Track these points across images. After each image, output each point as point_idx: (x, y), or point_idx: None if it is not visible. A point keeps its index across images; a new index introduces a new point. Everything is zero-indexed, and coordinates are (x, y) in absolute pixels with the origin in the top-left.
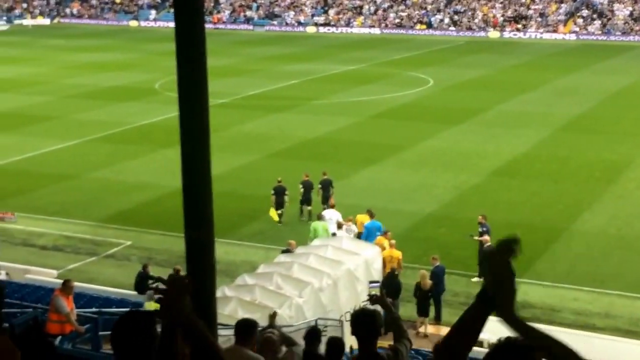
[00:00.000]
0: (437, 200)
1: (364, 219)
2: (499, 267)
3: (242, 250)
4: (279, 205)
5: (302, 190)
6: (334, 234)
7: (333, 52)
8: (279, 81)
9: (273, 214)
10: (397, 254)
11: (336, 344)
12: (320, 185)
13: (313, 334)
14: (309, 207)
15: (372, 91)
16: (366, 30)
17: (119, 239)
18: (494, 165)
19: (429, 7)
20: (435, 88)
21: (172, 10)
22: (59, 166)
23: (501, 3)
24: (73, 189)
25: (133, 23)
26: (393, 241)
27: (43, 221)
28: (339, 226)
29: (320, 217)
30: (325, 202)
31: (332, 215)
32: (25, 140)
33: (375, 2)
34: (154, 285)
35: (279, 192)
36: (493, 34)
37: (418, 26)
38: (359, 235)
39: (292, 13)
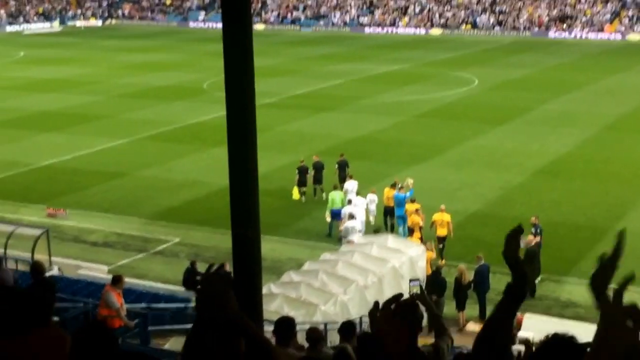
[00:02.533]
0: (482, 199)
1: (390, 192)
2: (510, 251)
3: (288, 248)
4: (302, 183)
5: (313, 171)
6: (350, 202)
7: (379, 52)
8: (325, 81)
9: (295, 192)
10: (447, 217)
11: (365, 340)
12: (337, 166)
13: (347, 329)
14: (321, 186)
15: (417, 91)
16: (412, 31)
17: (168, 235)
18: (538, 164)
19: (474, 7)
20: (480, 87)
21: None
22: (109, 164)
23: (546, 3)
24: (123, 187)
25: (183, 24)
26: (443, 206)
27: (94, 218)
28: (358, 194)
29: (335, 187)
30: (342, 181)
31: (351, 186)
32: (77, 139)
33: (420, 2)
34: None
35: (302, 171)
36: (538, 33)
37: (463, 26)
38: (386, 209)
39: (338, 13)
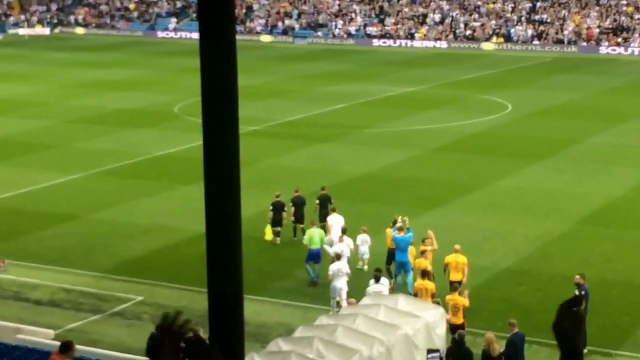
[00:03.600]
0: (515, 253)
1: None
2: (563, 323)
3: (276, 310)
4: (277, 222)
5: (292, 207)
6: (340, 238)
7: (389, 70)
8: (323, 105)
9: (268, 232)
10: (463, 259)
11: None
12: (317, 201)
13: None
14: (302, 226)
15: (437, 118)
16: (430, 44)
17: (129, 293)
18: (585, 210)
19: (508, 15)
20: (514, 115)
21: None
22: (58, 204)
23: (597, 11)
24: (75, 232)
25: (149, 34)
26: (458, 246)
27: (38, 270)
28: (344, 232)
29: (313, 223)
30: (324, 219)
31: (335, 221)
32: (20, 172)
33: (441, 9)
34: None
35: (277, 208)
36: (587, 48)
37: (494, 39)
38: (390, 253)
39: (340, 22)
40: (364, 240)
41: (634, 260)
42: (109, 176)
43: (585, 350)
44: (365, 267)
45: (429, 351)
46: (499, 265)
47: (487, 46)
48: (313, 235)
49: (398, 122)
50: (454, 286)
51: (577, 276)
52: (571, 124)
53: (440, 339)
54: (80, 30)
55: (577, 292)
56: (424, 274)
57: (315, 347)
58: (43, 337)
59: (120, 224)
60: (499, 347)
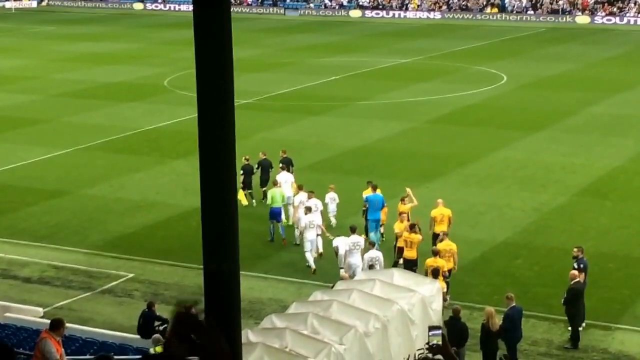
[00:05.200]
0: (512, 225)
1: (367, 192)
2: None
3: (270, 286)
4: (247, 185)
5: (259, 171)
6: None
7: (383, 42)
8: (316, 77)
9: (242, 196)
10: (447, 211)
11: None
12: (281, 165)
13: None
14: (264, 188)
15: (432, 90)
16: (424, 15)
17: (119, 270)
18: (582, 182)
19: None
20: (510, 86)
21: None
22: (47, 180)
23: None
24: (64, 209)
25: (138, 6)
26: (440, 200)
27: (27, 247)
28: (300, 188)
29: (275, 183)
30: (264, 184)
31: (284, 178)
32: (7, 148)
33: None
34: (161, 328)
35: (247, 171)
36: (582, 18)
37: (488, 9)
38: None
39: None
40: (332, 199)
41: (632, 232)
42: (99, 151)
43: (584, 325)
44: (334, 222)
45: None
46: (496, 239)
47: (480, 17)
48: (275, 195)
49: (392, 94)
50: (440, 237)
51: (575, 249)
52: (567, 94)
53: (437, 314)
54: (67, 3)
55: (575, 266)
56: (436, 273)
57: (309, 323)
58: (32, 315)
59: (110, 199)
60: (499, 321)
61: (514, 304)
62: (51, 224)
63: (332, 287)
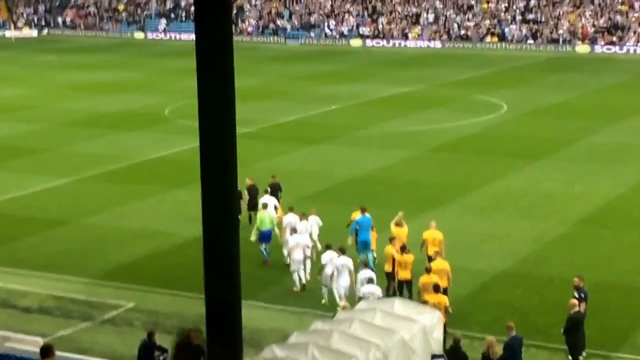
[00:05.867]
0: (512, 255)
1: (357, 215)
2: None
3: (271, 315)
4: (252, 207)
5: (247, 197)
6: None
7: (383, 71)
8: (317, 106)
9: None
10: (440, 234)
11: None
12: (269, 189)
13: None
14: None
15: (432, 118)
16: (424, 44)
17: (120, 299)
18: (583, 211)
19: (502, 15)
20: (510, 115)
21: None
22: (48, 209)
23: (592, 10)
24: (65, 238)
25: (139, 35)
26: (433, 222)
27: (27, 277)
28: (290, 209)
29: (265, 206)
30: (252, 208)
31: (269, 201)
32: (8, 177)
33: (435, 8)
34: (162, 358)
35: (253, 194)
36: (582, 47)
37: (488, 38)
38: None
39: (332, 22)
40: (314, 222)
41: (633, 261)
42: (99, 180)
43: (584, 354)
44: (318, 245)
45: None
46: (496, 268)
47: (481, 46)
48: (263, 218)
49: (393, 123)
50: (432, 257)
51: (576, 278)
52: (567, 123)
53: (437, 343)
54: (68, 32)
55: (575, 295)
56: (437, 288)
57: (310, 353)
58: (32, 345)
59: (111, 229)
60: (499, 351)
61: (514, 334)
62: (51, 254)
63: (333, 316)
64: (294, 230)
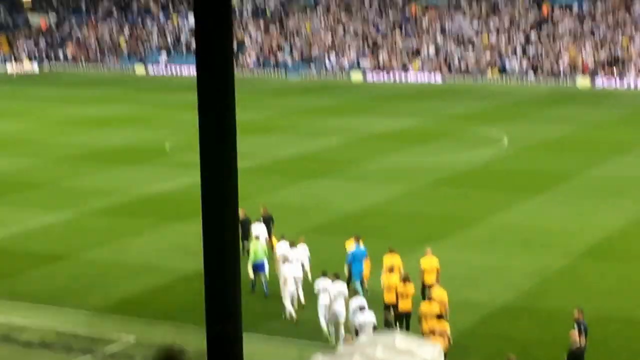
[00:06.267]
0: (513, 288)
1: (351, 243)
2: None
3: (272, 348)
4: (245, 237)
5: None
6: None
7: (384, 104)
8: (317, 140)
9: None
10: (436, 261)
11: None
12: (261, 220)
13: None
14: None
15: (432, 152)
16: (424, 77)
17: (121, 334)
18: (583, 244)
19: (503, 48)
20: (510, 149)
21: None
22: (47, 244)
23: (592, 44)
24: (64, 273)
25: (139, 68)
26: (429, 249)
27: (27, 311)
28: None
29: (257, 237)
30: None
31: (259, 231)
32: (7, 211)
33: (435, 42)
34: None
35: (245, 224)
36: (582, 82)
37: (489, 72)
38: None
39: (333, 56)
40: (304, 250)
41: (633, 295)
42: (100, 215)
43: None
44: (309, 277)
45: None
46: (497, 301)
47: (481, 79)
48: (257, 249)
49: (393, 156)
50: (431, 286)
51: (576, 311)
52: (568, 157)
53: None
54: (69, 66)
55: (576, 328)
56: (440, 316)
57: None
58: None
59: (111, 263)
60: None
61: None
62: (52, 288)
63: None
64: (285, 259)
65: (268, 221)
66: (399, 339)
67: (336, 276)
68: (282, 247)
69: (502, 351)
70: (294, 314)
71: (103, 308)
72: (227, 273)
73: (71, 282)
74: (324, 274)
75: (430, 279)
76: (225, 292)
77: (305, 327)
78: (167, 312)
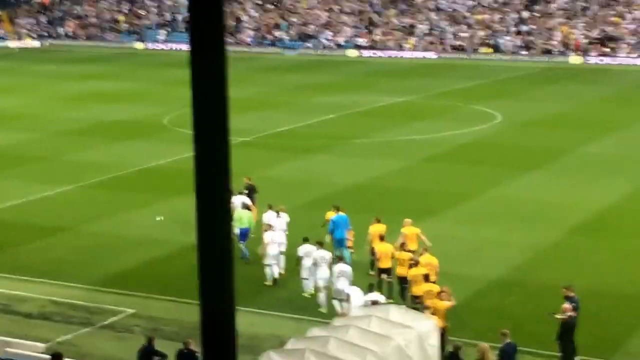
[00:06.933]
0: (506, 263)
1: (331, 214)
2: None
3: (268, 321)
4: None
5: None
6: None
7: (379, 81)
8: (313, 116)
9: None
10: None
11: None
12: (245, 191)
13: None
14: None
15: (427, 128)
16: (419, 54)
17: (119, 306)
18: (576, 220)
19: (496, 26)
20: (504, 125)
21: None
22: (48, 217)
23: (584, 22)
24: (64, 245)
25: (139, 45)
26: (408, 219)
27: (28, 283)
28: (245, 207)
29: (243, 205)
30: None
31: (244, 200)
32: (9, 185)
33: (430, 20)
34: None
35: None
36: (574, 59)
37: (483, 50)
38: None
39: (329, 33)
40: (284, 218)
41: (625, 270)
42: (99, 188)
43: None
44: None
45: None
46: (490, 276)
47: (475, 57)
48: (242, 216)
49: (388, 132)
50: (420, 252)
51: (564, 289)
52: (561, 133)
53: (433, 350)
54: (69, 43)
55: (567, 304)
56: (426, 278)
57: (307, 359)
58: (32, 350)
59: (110, 236)
60: (493, 357)
61: (508, 340)
62: (52, 260)
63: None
64: (270, 227)
65: (252, 191)
66: (394, 312)
67: (320, 244)
68: (267, 216)
69: (495, 325)
70: (276, 275)
71: (103, 280)
72: (219, 246)
73: (71, 255)
74: (306, 240)
75: (411, 246)
76: (218, 266)
77: (300, 302)
78: (166, 285)
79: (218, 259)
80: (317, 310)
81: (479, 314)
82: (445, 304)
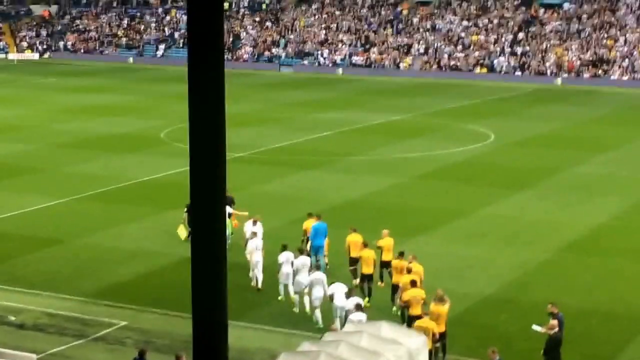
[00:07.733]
0: (497, 281)
1: (310, 223)
2: None
3: (258, 335)
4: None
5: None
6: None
7: (374, 99)
8: (309, 132)
9: (181, 231)
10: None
11: None
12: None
13: None
14: None
15: (421, 146)
16: (414, 74)
17: (112, 318)
18: (567, 238)
19: (491, 47)
20: (497, 144)
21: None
22: (43, 229)
23: (578, 44)
24: (59, 257)
25: (137, 60)
26: (386, 230)
27: (21, 294)
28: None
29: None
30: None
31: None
32: (4, 196)
33: (426, 40)
34: None
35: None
36: (568, 80)
37: (477, 70)
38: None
39: (326, 51)
40: (259, 227)
41: (614, 289)
42: (95, 201)
43: None
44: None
45: None
46: (481, 293)
47: (469, 76)
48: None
49: (382, 150)
50: (409, 259)
51: (549, 305)
52: (553, 153)
53: None
54: (69, 56)
55: (551, 321)
56: (414, 283)
57: None
58: None
59: (105, 248)
60: None
61: (498, 358)
62: (46, 272)
63: (321, 338)
64: (254, 234)
65: (229, 203)
66: (385, 328)
67: (300, 252)
68: (249, 225)
69: (485, 342)
70: (259, 280)
71: (96, 292)
72: (213, 260)
73: (65, 267)
74: (285, 248)
75: (386, 256)
76: (211, 280)
77: (295, 317)
78: (159, 298)
79: (212, 273)
80: (310, 325)
81: (470, 331)
82: (446, 307)
